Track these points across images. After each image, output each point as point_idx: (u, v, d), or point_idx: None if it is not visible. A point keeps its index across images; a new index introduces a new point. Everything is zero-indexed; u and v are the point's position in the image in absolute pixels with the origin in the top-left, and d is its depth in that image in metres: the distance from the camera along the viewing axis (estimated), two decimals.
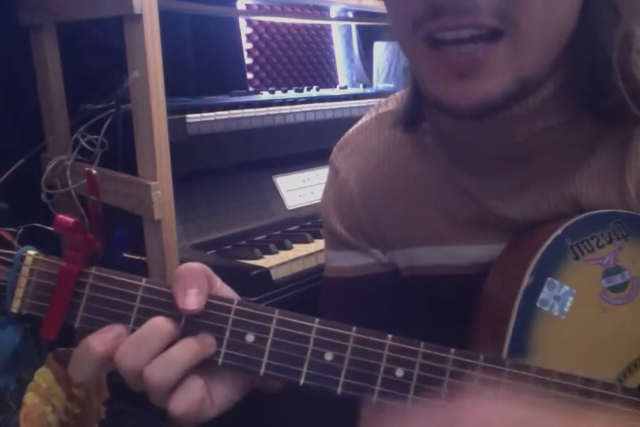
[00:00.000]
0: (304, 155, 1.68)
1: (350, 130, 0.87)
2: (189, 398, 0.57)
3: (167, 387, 0.57)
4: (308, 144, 1.66)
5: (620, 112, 0.63)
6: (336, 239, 0.84)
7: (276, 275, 1.26)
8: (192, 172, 1.41)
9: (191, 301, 0.57)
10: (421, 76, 0.65)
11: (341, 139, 0.88)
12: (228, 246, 1.41)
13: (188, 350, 0.57)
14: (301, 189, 1.68)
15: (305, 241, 1.42)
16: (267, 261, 1.30)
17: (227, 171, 1.53)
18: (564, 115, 0.67)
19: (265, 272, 1.23)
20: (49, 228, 0.59)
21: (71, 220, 0.54)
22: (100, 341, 0.57)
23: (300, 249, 1.38)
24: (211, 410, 0.60)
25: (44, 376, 0.73)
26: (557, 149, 0.68)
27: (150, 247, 1.21)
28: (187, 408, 0.57)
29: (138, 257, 1.30)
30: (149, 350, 0.56)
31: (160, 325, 0.57)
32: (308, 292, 1.28)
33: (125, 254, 1.34)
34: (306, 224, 1.58)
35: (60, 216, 0.55)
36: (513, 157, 0.70)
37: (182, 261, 1.18)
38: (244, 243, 1.44)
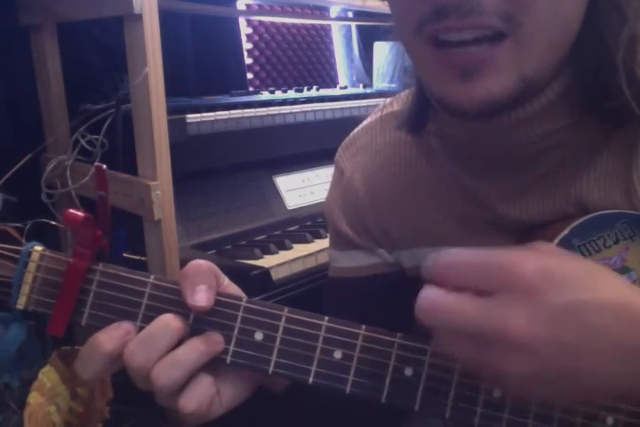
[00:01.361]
0: (304, 155, 1.68)
1: (355, 130, 0.87)
2: (199, 396, 0.57)
3: (174, 388, 0.56)
4: (308, 144, 1.66)
5: (625, 114, 0.63)
6: (342, 239, 0.84)
7: (275, 275, 1.26)
8: (192, 172, 1.41)
9: (200, 297, 0.57)
10: (425, 77, 0.65)
11: (346, 139, 0.87)
12: (228, 246, 1.42)
13: (195, 351, 0.57)
14: (301, 189, 1.68)
15: (305, 241, 1.42)
16: (267, 261, 1.30)
17: (227, 171, 1.53)
18: (570, 117, 0.66)
19: (265, 272, 1.23)
20: (53, 222, 0.59)
21: (81, 214, 0.54)
22: (108, 338, 0.57)
23: (300, 249, 1.38)
24: (218, 408, 0.59)
25: (48, 375, 0.72)
26: (563, 150, 0.68)
27: (150, 247, 1.21)
28: (196, 407, 0.56)
29: (138, 257, 1.30)
30: (158, 347, 0.56)
31: (169, 322, 0.57)
32: (307, 292, 1.28)
33: (125, 254, 1.33)
34: (306, 224, 1.58)
35: (71, 211, 0.54)
36: (518, 159, 0.69)
37: (182, 261, 1.19)
38: (243, 243, 1.44)
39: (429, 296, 0.49)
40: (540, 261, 0.49)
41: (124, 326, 0.57)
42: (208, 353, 0.57)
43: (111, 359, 0.57)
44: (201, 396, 0.57)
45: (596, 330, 0.47)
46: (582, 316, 0.47)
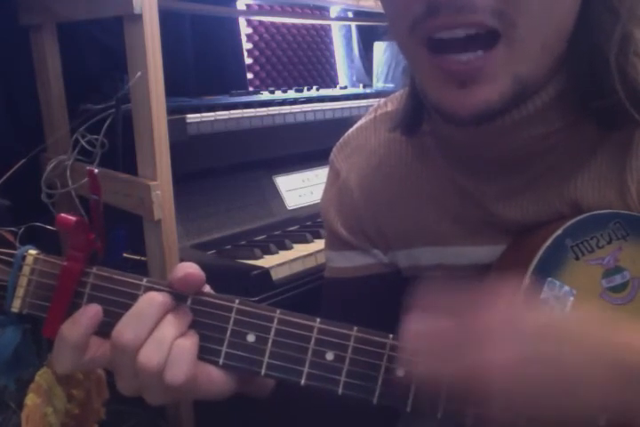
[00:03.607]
0: (304, 155, 1.68)
1: (350, 130, 0.87)
2: (184, 359, 0.56)
3: (162, 366, 0.56)
4: (308, 144, 1.66)
5: (619, 114, 0.63)
6: (337, 240, 0.84)
7: (275, 275, 1.25)
8: (192, 172, 1.41)
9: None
10: (421, 81, 0.65)
11: (341, 139, 0.87)
12: (228, 246, 1.41)
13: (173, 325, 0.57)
14: (301, 189, 1.68)
15: (305, 241, 1.42)
16: (267, 261, 1.30)
17: (227, 171, 1.53)
18: (565, 119, 0.66)
19: (265, 272, 1.22)
20: (50, 227, 0.59)
21: (73, 218, 0.54)
22: (70, 326, 0.57)
23: (299, 249, 1.38)
24: (213, 384, 0.59)
25: (44, 377, 0.73)
26: (558, 152, 0.68)
27: (150, 247, 1.21)
28: (185, 376, 0.56)
29: (138, 257, 1.31)
30: (146, 323, 0.56)
31: (153, 297, 0.57)
32: (307, 292, 1.28)
33: (125, 254, 1.34)
34: (306, 224, 1.57)
35: (63, 215, 0.55)
36: (513, 160, 0.70)
37: (182, 262, 1.19)
38: (243, 243, 1.44)
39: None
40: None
41: (88, 311, 0.58)
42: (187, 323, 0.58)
43: (78, 349, 0.57)
44: (186, 358, 0.56)
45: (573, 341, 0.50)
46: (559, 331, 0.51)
